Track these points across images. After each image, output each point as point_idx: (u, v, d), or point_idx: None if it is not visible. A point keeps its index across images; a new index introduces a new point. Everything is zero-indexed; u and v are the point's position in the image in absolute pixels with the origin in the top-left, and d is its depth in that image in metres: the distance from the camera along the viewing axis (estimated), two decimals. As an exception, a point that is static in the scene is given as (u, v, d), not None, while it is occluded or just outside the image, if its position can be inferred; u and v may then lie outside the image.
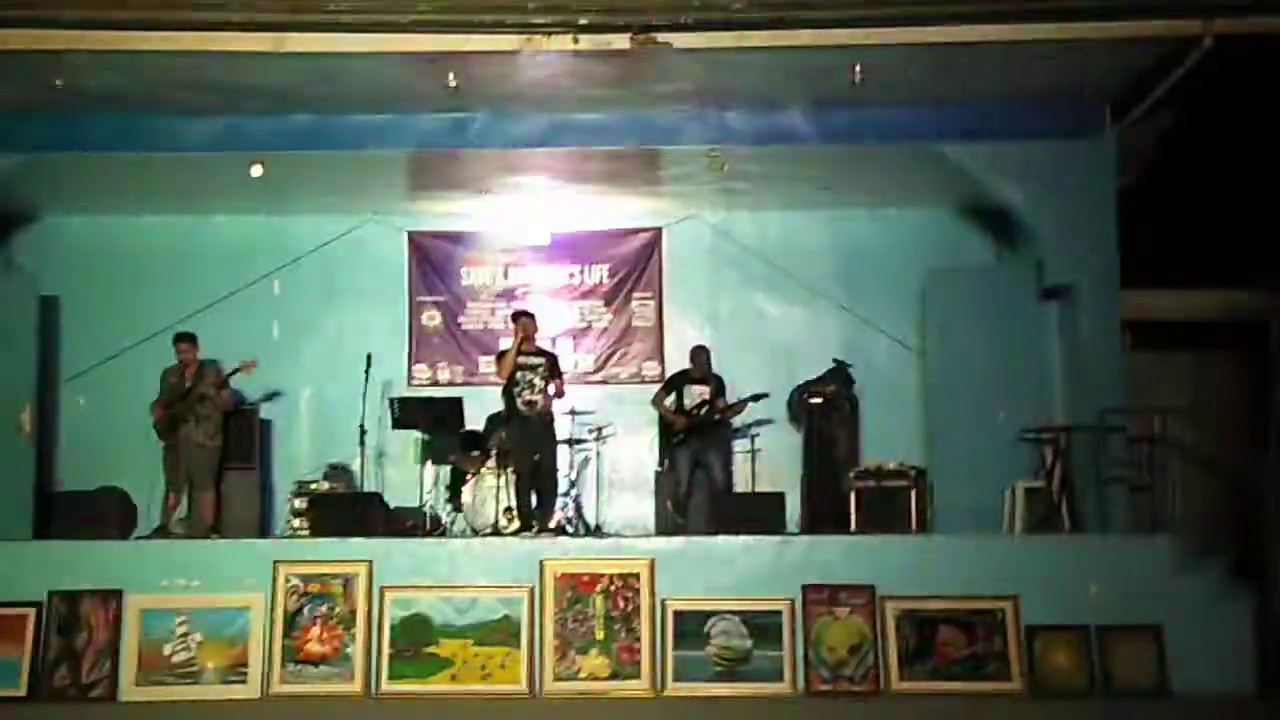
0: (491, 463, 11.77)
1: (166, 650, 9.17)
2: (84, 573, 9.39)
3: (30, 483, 11.77)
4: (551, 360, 11.48)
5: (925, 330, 12.57)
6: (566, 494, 12.09)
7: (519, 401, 11.20)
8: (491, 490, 11.62)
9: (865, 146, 11.66)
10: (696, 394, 11.88)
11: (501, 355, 11.55)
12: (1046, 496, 10.92)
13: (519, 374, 11.23)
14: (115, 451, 12.09)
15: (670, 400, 11.96)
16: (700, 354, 12.02)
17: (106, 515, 10.99)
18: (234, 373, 11.27)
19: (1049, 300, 11.95)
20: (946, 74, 10.63)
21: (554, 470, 11.41)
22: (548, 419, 11.39)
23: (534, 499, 11.29)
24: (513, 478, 11.30)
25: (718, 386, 11.92)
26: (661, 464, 12.52)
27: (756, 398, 11.88)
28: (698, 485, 11.73)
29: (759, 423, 12.61)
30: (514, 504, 11.23)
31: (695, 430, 11.78)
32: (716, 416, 11.84)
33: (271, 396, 13.07)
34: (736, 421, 12.36)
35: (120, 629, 9.18)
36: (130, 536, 11.11)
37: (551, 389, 11.38)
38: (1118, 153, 11.61)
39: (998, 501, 11.15)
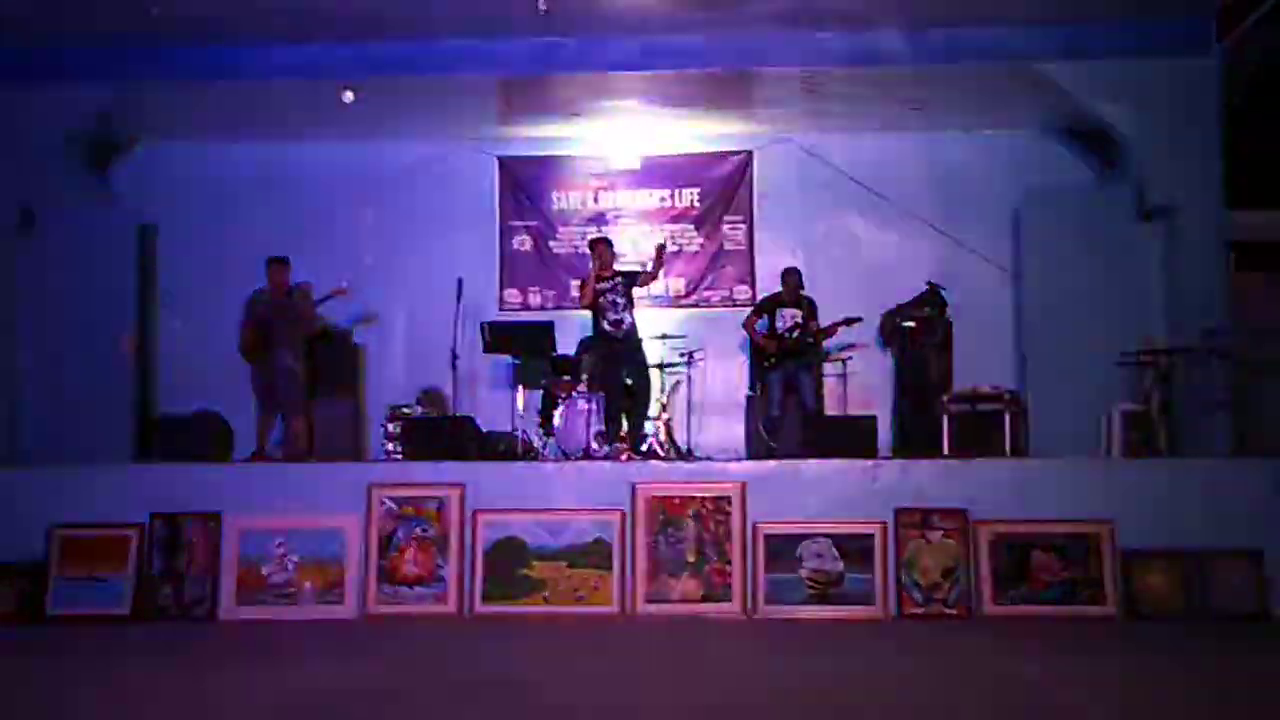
0: (583, 386, 11.80)
1: (265, 571, 9.31)
2: (184, 495, 9.53)
3: (131, 407, 11.99)
4: (628, 275, 11.52)
5: (1021, 252, 12.39)
6: (657, 417, 12.09)
7: (605, 323, 11.28)
8: (583, 414, 11.65)
9: (960, 66, 11.51)
10: (788, 317, 11.79)
11: (583, 284, 11.60)
12: (1145, 420, 10.76)
13: (601, 299, 11.28)
14: (213, 376, 12.25)
15: (761, 323, 11.88)
16: (791, 276, 11.91)
17: (205, 439, 11.16)
18: (326, 299, 11.37)
19: (1150, 221, 11.72)
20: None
21: (645, 392, 11.44)
22: (635, 341, 11.38)
23: (624, 422, 11.37)
24: (603, 400, 11.37)
25: (809, 309, 11.82)
26: (753, 388, 12.50)
27: (849, 321, 11.76)
28: (790, 408, 11.68)
29: (851, 346, 12.52)
30: (604, 427, 11.28)
31: (787, 354, 11.71)
32: (809, 339, 11.75)
33: (364, 321, 13.19)
34: (829, 344, 12.27)
35: (220, 550, 9.33)
36: (228, 459, 11.29)
37: (637, 291, 11.53)
38: (1223, 69, 11.32)
39: (1095, 425, 11.00)
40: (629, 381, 11.39)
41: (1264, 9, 10.51)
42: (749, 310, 12.40)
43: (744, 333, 12.32)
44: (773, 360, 11.74)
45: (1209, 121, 11.33)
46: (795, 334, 11.69)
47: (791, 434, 11.44)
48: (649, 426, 11.89)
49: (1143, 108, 11.38)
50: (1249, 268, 12.41)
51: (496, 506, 9.39)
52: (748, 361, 12.80)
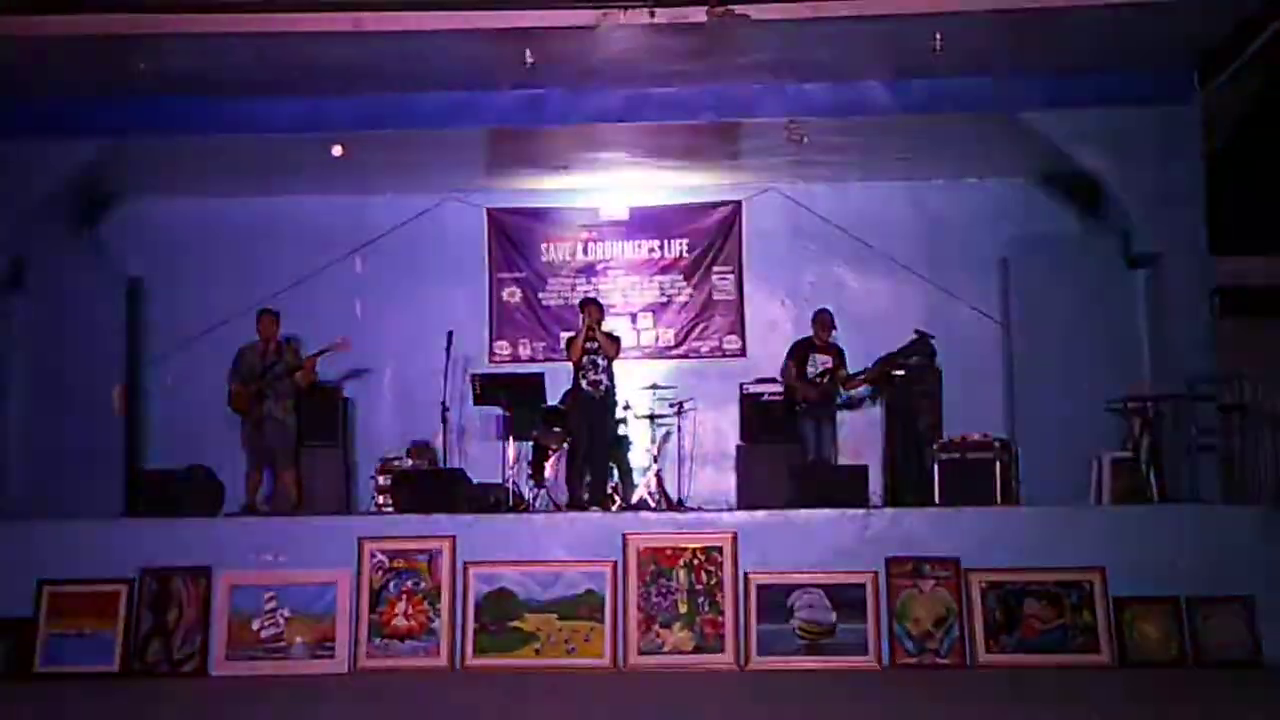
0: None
1: (255, 626, 9.28)
2: (174, 550, 9.51)
3: (120, 461, 11.96)
4: (612, 339, 11.64)
5: (1008, 300, 12.44)
6: (648, 468, 12.12)
7: (584, 382, 11.36)
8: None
9: (945, 116, 11.56)
10: (819, 363, 11.80)
11: (571, 341, 11.65)
12: (1134, 467, 10.78)
13: (585, 357, 11.37)
14: (202, 430, 12.23)
15: (794, 370, 11.87)
16: (822, 317, 11.93)
17: (194, 493, 11.12)
18: (325, 351, 11.36)
19: (1135, 268, 11.79)
20: (1028, 42, 10.51)
21: (604, 449, 11.49)
22: (608, 401, 11.47)
23: (615, 475, 11.50)
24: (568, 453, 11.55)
25: (839, 356, 11.85)
26: (744, 438, 12.47)
27: (886, 370, 11.81)
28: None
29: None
30: (567, 478, 11.41)
31: (821, 400, 11.71)
32: (842, 387, 11.88)
33: (354, 375, 13.18)
34: (861, 391, 12.51)
35: (210, 605, 9.30)
36: (218, 514, 11.25)
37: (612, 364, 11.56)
38: (1205, 117, 11.41)
39: (1084, 473, 11.02)
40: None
41: (1243, 58, 10.61)
42: (741, 360, 12.41)
43: (734, 383, 12.36)
44: (804, 406, 11.72)
45: (1192, 169, 11.39)
46: (826, 379, 11.70)
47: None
48: (637, 477, 11.93)
49: (1126, 156, 11.43)
50: (1233, 313, 12.47)
51: (487, 559, 9.40)
52: (739, 411, 12.75)
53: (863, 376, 11.89)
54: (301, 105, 11.49)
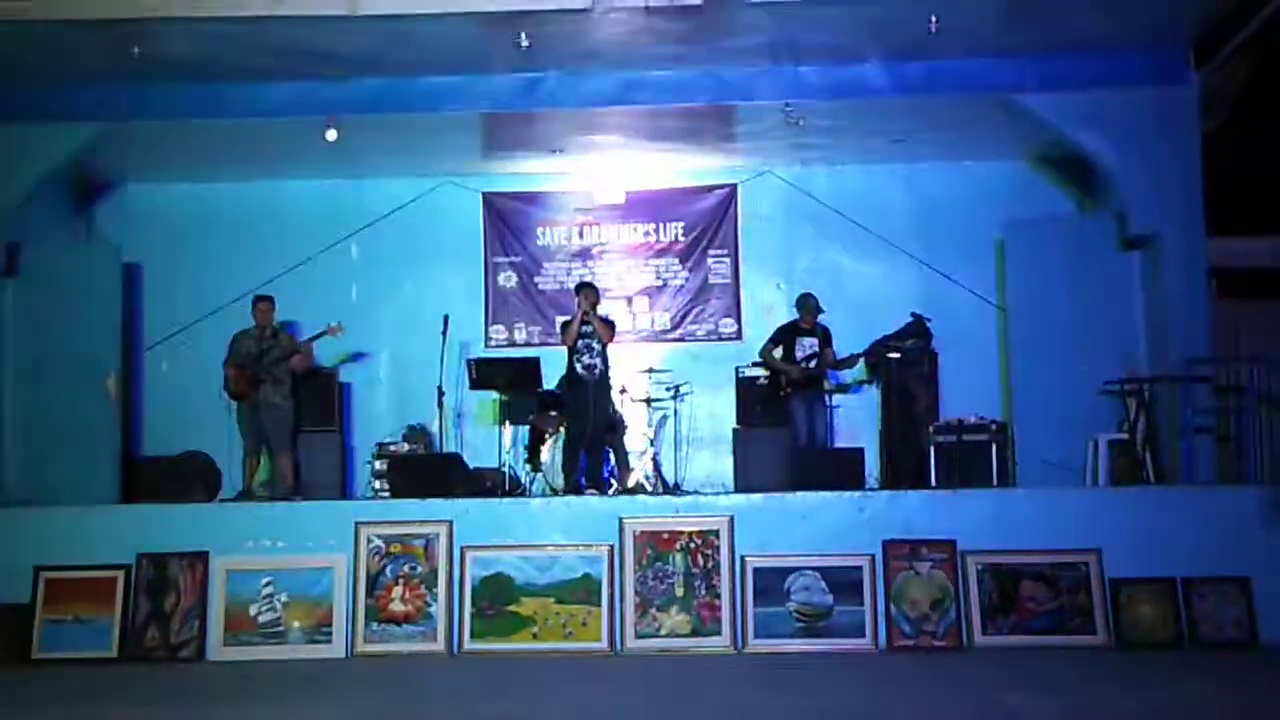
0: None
1: (252, 611, 9.30)
2: (171, 535, 9.53)
3: (117, 447, 11.94)
4: (607, 323, 11.55)
5: (1004, 282, 12.43)
6: (644, 452, 12.11)
7: (579, 366, 11.29)
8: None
9: (941, 98, 11.53)
10: (807, 345, 11.78)
11: (566, 324, 11.61)
12: (1130, 449, 10.78)
13: (580, 341, 11.32)
14: (198, 416, 12.20)
15: (779, 353, 11.85)
16: (808, 301, 11.88)
17: (191, 479, 11.14)
18: (319, 337, 11.36)
19: (1131, 250, 11.77)
20: (1024, 23, 10.47)
21: (600, 433, 11.44)
22: (603, 385, 11.42)
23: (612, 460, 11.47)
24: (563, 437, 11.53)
25: (825, 337, 11.83)
26: (741, 421, 12.46)
27: (873, 355, 11.81)
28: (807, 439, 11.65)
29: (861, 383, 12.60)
30: (563, 462, 11.37)
31: (808, 383, 11.69)
32: (830, 369, 11.86)
33: (350, 359, 13.17)
34: (845, 375, 12.53)
35: (207, 590, 9.32)
36: (215, 499, 11.25)
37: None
38: (1201, 98, 11.39)
39: (1081, 455, 11.01)
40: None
41: (1240, 38, 10.59)
42: (735, 344, 12.39)
43: (730, 366, 12.32)
44: (789, 391, 11.70)
45: (1188, 150, 11.37)
46: (813, 363, 11.69)
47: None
48: (634, 461, 11.92)
49: (1122, 137, 11.41)
50: (1230, 295, 12.48)
51: (484, 543, 9.40)
52: (735, 395, 12.75)
53: (850, 358, 11.87)
54: (297, 89, 11.45)
